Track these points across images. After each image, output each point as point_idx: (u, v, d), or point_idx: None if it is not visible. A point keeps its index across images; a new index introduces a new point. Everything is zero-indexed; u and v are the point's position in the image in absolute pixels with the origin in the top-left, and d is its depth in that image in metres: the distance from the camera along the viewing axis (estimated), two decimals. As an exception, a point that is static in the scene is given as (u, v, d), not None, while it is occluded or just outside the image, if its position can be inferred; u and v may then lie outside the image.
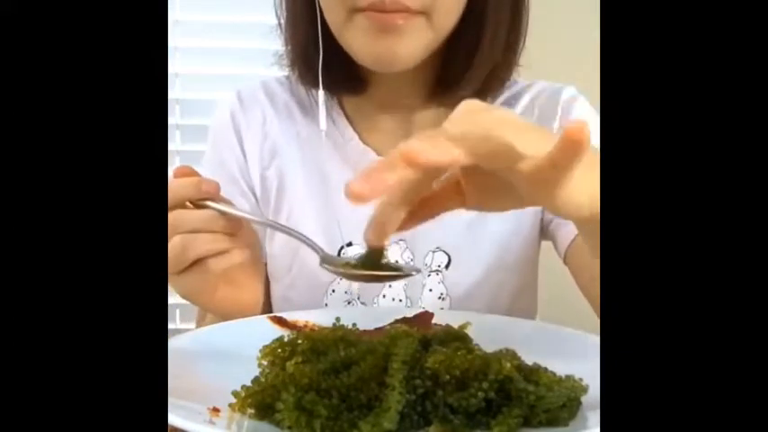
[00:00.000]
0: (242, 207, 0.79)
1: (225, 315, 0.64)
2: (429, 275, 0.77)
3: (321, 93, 0.74)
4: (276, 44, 0.80)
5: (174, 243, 0.56)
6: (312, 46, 0.72)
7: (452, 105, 0.76)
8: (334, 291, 0.77)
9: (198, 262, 0.57)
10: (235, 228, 0.59)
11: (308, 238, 0.61)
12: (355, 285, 0.77)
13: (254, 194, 0.81)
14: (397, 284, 0.77)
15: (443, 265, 0.77)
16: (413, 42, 0.67)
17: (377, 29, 0.66)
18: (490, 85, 0.75)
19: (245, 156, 0.81)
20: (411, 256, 0.77)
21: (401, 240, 0.77)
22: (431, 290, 0.77)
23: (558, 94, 0.81)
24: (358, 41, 0.68)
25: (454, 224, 0.77)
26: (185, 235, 0.56)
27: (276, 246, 0.80)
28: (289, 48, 0.77)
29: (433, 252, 0.78)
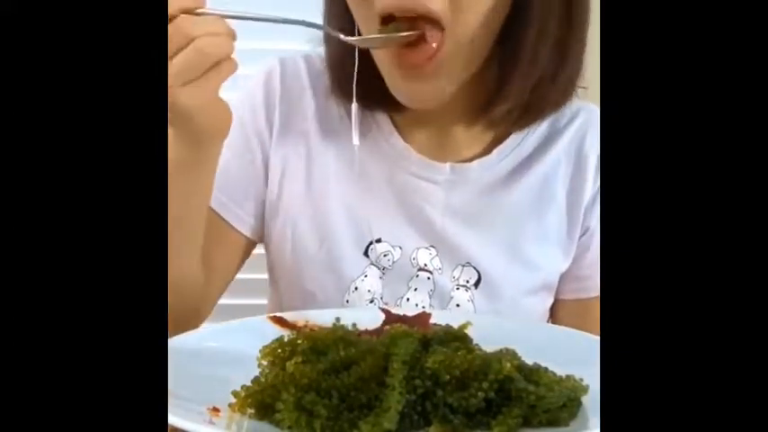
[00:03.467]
0: (242, 174, 0.78)
1: (205, 133, 0.61)
2: (458, 289, 0.76)
3: (354, 105, 0.72)
4: (277, 44, 0.78)
5: (190, 49, 0.54)
6: (348, 59, 0.70)
7: (485, 126, 0.75)
8: (356, 288, 0.75)
9: (207, 70, 0.55)
10: (233, 32, 0.57)
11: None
12: (379, 286, 0.75)
13: (266, 168, 0.78)
14: (423, 290, 0.76)
15: (472, 282, 0.75)
16: (442, 83, 0.67)
17: (406, 74, 0.66)
18: (535, 110, 0.72)
19: (270, 128, 0.78)
20: (440, 265, 0.76)
21: (431, 247, 0.76)
22: (458, 305, 0.75)
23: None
24: (391, 80, 0.68)
25: (488, 242, 0.76)
26: (204, 38, 0.54)
27: (299, 234, 0.77)
28: (327, 60, 0.75)
29: (463, 266, 0.76)
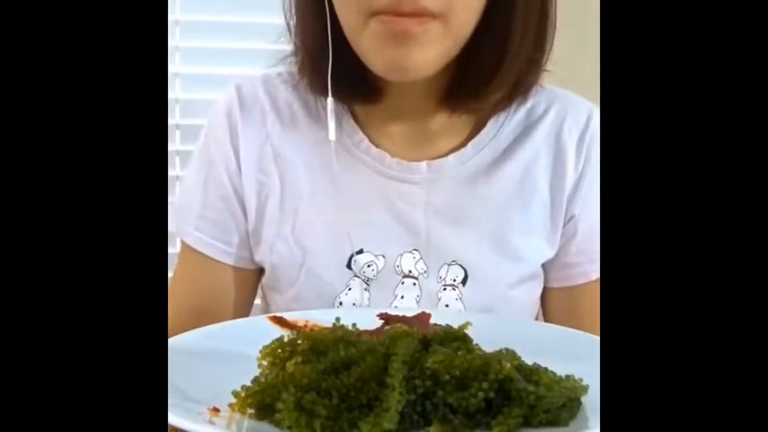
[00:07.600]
0: (220, 211, 0.77)
1: None
2: (445, 289, 0.75)
3: (330, 100, 0.70)
4: (276, 45, 0.78)
5: None
6: (323, 52, 0.68)
7: (470, 112, 0.74)
8: (341, 303, 0.75)
9: None
10: None
11: None
12: (365, 297, 0.75)
13: (241, 199, 0.77)
14: (410, 297, 0.75)
15: (459, 280, 0.75)
16: (429, 51, 0.64)
17: (390, 35, 0.63)
18: (515, 94, 0.72)
19: (237, 158, 0.77)
20: (425, 268, 0.75)
21: (415, 250, 0.75)
22: (447, 305, 0.74)
23: (585, 115, 0.78)
24: (371, 48, 0.65)
25: (472, 237, 0.75)
26: None
27: (278, 256, 0.77)
28: (298, 54, 0.73)
29: (449, 265, 0.75)
